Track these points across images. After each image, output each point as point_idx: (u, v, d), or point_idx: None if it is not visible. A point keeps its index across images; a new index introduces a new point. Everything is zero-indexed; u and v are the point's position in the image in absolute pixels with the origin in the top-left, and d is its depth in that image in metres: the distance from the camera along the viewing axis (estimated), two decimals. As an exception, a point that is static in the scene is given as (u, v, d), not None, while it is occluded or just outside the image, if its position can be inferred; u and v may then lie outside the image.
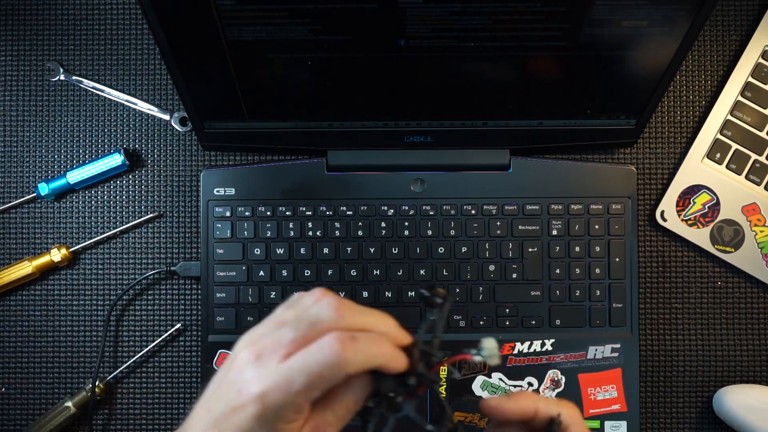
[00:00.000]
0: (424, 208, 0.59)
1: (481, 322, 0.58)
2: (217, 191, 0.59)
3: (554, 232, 0.59)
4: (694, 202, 0.60)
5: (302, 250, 0.58)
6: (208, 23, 0.46)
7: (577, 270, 0.59)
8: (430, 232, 0.59)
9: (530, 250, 0.59)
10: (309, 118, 0.56)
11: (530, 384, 0.58)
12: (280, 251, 0.58)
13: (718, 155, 0.60)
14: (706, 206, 0.60)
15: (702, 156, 0.61)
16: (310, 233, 0.58)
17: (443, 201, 0.59)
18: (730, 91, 0.60)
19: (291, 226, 0.59)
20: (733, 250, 0.60)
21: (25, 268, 0.59)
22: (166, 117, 0.62)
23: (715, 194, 0.60)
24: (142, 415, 0.60)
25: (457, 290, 0.58)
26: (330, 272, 0.58)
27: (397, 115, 0.56)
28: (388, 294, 0.58)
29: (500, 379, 0.58)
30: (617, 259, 0.59)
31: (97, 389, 0.58)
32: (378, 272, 0.58)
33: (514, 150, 0.59)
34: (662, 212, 0.60)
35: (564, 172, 0.59)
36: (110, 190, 0.62)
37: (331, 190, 0.59)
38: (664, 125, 0.62)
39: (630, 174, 0.59)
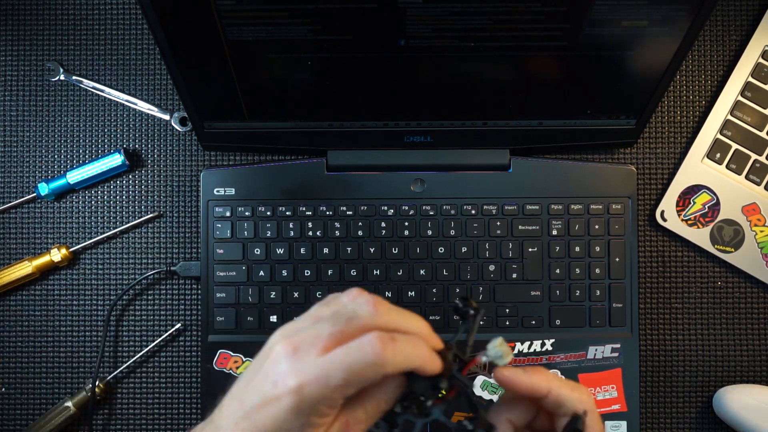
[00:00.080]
0: (424, 208, 0.59)
1: (481, 322, 0.58)
2: (217, 191, 0.59)
3: (554, 232, 0.59)
4: (694, 202, 0.60)
5: (302, 250, 0.58)
6: (208, 23, 0.46)
7: (577, 270, 0.59)
8: (430, 232, 0.59)
9: (530, 250, 0.59)
10: (309, 118, 0.56)
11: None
12: (280, 251, 0.58)
13: (718, 155, 0.60)
14: (706, 206, 0.60)
15: (702, 156, 0.61)
16: (310, 233, 0.59)
17: (443, 201, 0.59)
18: (730, 91, 0.60)
19: (291, 226, 0.59)
20: (733, 250, 0.60)
21: (25, 268, 0.59)
22: (166, 117, 0.62)
23: (715, 194, 0.60)
24: (142, 415, 0.60)
25: (457, 290, 0.58)
26: (330, 272, 0.58)
27: (397, 115, 0.56)
28: (389, 294, 0.58)
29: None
30: (617, 259, 0.59)
31: (97, 389, 0.58)
32: (378, 272, 0.58)
33: (514, 150, 0.59)
34: (662, 212, 0.60)
35: (564, 172, 0.59)
36: (110, 190, 0.62)
37: (331, 190, 0.59)
38: (664, 125, 0.62)
39: (630, 174, 0.59)
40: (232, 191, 0.59)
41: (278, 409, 0.32)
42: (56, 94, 0.62)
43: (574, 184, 0.59)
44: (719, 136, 0.60)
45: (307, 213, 0.59)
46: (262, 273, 0.58)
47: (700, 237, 0.60)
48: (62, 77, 0.62)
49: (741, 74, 0.60)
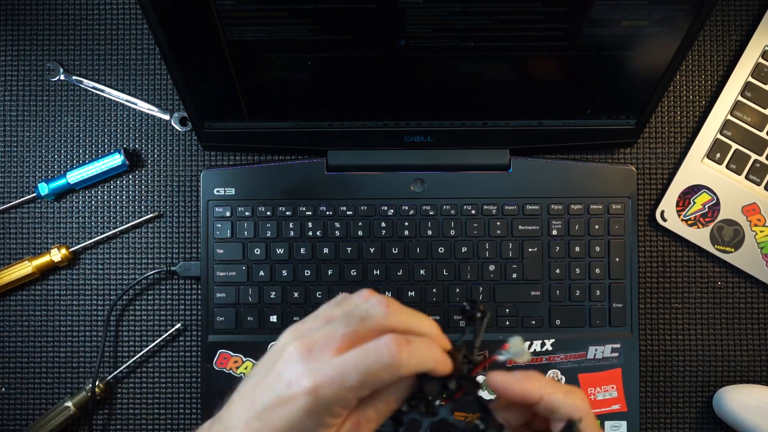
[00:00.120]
0: (424, 208, 0.59)
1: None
2: (217, 191, 0.59)
3: (554, 232, 0.59)
4: (694, 202, 0.60)
5: (302, 250, 0.58)
6: (208, 23, 0.46)
7: (577, 270, 0.59)
8: (430, 232, 0.59)
9: (530, 250, 0.59)
10: (309, 118, 0.56)
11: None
12: (280, 251, 0.58)
13: (718, 155, 0.60)
14: (706, 206, 0.60)
15: (702, 156, 0.61)
16: (310, 233, 0.59)
17: (443, 201, 0.59)
18: (730, 91, 0.60)
19: (291, 226, 0.59)
20: (733, 250, 0.60)
21: (25, 268, 0.59)
22: (166, 117, 0.62)
23: (715, 194, 0.60)
24: (142, 415, 0.60)
25: (457, 290, 0.58)
26: (330, 272, 0.58)
27: (397, 115, 0.56)
28: (389, 294, 0.58)
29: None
30: (617, 259, 0.59)
31: (97, 389, 0.58)
32: (378, 272, 0.58)
33: (514, 150, 0.59)
34: (662, 212, 0.60)
35: (564, 172, 0.59)
36: (110, 190, 0.62)
37: (331, 190, 0.59)
38: (664, 125, 0.62)
39: (630, 174, 0.59)
40: (232, 191, 0.59)
41: (292, 410, 0.33)
42: (56, 94, 0.62)
43: (574, 184, 0.59)
44: (719, 136, 0.60)
45: (307, 213, 0.59)
46: (262, 273, 0.58)
47: (700, 237, 0.60)
48: (62, 77, 0.62)
49: (741, 74, 0.60)
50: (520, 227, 0.59)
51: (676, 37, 0.48)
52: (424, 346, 0.34)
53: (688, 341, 0.61)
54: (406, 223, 0.59)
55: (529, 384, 0.36)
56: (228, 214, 0.59)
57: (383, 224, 0.59)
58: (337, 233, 0.59)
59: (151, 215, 0.61)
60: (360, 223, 0.59)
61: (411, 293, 0.58)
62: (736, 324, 0.61)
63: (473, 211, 0.59)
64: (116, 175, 0.61)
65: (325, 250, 0.58)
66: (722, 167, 0.60)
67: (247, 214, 0.59)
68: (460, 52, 0.49)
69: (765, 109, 0.60)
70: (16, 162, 0.61)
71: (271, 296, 0.58)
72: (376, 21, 0.46)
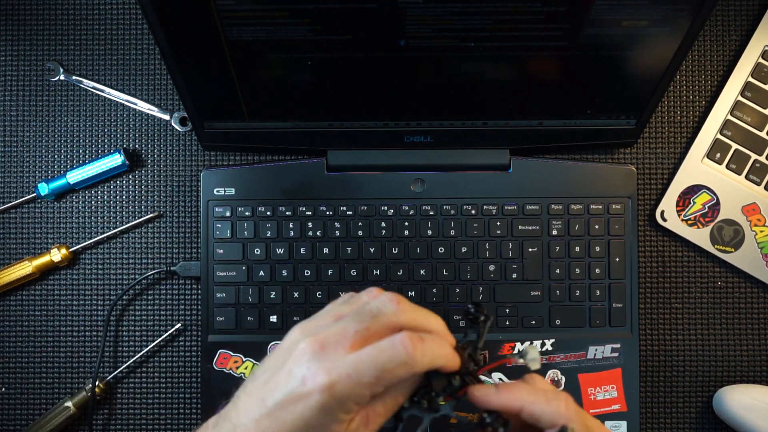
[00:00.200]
0: (424, 208, 0.59)
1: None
2: (217, 191, 0.59)
3: (554, 232, 0.59)
4: (694, 202, 0.60)
5: (302, 250, 0.58)
6: (208, 23, 0.46)
7: (577, 270, 0.59)
8: (430, 232, 0.59)
9: (530, 250, 0.59)
10: (309, 118, 0.56)
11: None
12: (280, 251, 0.58)
13: (718, 155, 0.60)
14: (706, 206, 0.60)
15: (702, 156, 0.61)
16: (310, 233, 0.59)
17: (443, 201, 0.59)
18: (730, 91, 0.60)
19: (291, 226, 0.59)
20: (733, 250, 0.60)
21: (25, 268, 0.59)
22: (166, 117, 0.62)
23: (715, 194, 0.60)
24: (142, 415, 0.60)
25: (457, 290, 0.58)
26: (330, 272, 0.58)
27: (397, 115, 0.56)
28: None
29: (500, 379, 0.58)
30: (617, 259, 0.59)
31: (97, 389, 0.58)
32: (378, 272, 0.58)
33: (514, 150, 0.59)
34: (662, 212, 0.60)
35: (564, 172, 0.59)
36: (110, 190, 0.62)
37: (331, 190, 0.59)
38: (664, 125, 0.62)
39: (630, 174, 0.59)
40: (232, 191, 0.59)
41: (306, 407, 0.33)
42: (56, 94, 0.62)
43: (574, 184, 0.59)
44: (719, 136, 0.60)
45: (307, 213, 0.59)
46: (262, 273, 0.58)
47: (700, 237, 0.60)
48: (62, 77, 0.62)
49: (741, 74, 0.60)
50: (520, 227, 0.59)
51: (676, 37, 0.48)
52: (436, 343, 0.35)
53: (688, 341, 0.61)
54: (406, 223, 0.59)
55: (507, 396, 0.37)
56: (228, 214, 0.59)
57: (383, 224, 0.59)
58: (337, 233, 0.59)
59: (151, 215, 0.61)
60: (360, 223, 0.59)
61: (411, 293, 0.58)
62: (736, 324, 0.61)
63: (473, 211, 0.59)
64: (116, 175, 0.61)
65: (325, 250, 0.58)
66: (722, 167, 0.60)
67: (247, 214, 0.59)
68: (460, 52, 0.49)
69: (765, 109, 0.60)
70: (16, 162, 0.61)
71: (271, 296, 0.58)
72: (376, 21, 0.46)
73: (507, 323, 0.58)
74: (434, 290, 0.58)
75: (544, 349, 0.58)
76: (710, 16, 0.57)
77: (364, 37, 0.47)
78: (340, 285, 0.58)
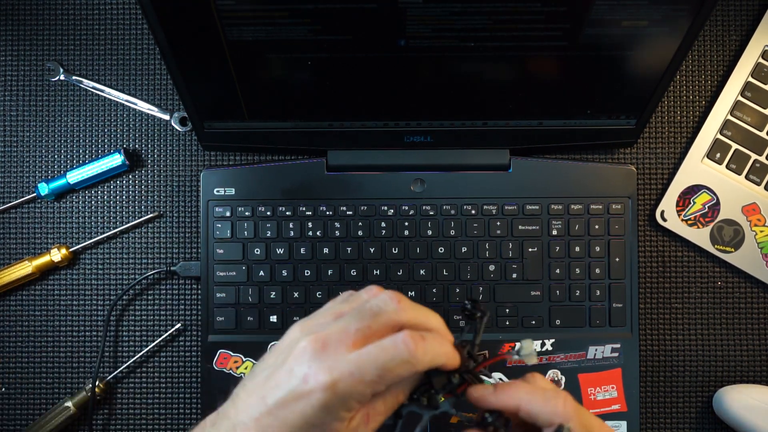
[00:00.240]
0: (424, 208, 0.59)
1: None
2: (217, 191, 0.59)
3: (554, 232, 0.59)
4: (694, 202, 0.60)
5: (302, 250, 0.58)
6: (208, 23, 0.46)
7: (577, 270, 0.59)
8: (430, 232, 0.59)
9: (530, 250, 0.59)
10: (309, 118, 0.56)
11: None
12: (280, 251, 0.58)
13: (718, 155, 0.60)
14: (706, 206, 0.60)
15: (702, 156, 0.61)
16: (310, 233, 0.59)
17: (443, 201, 0.59)
18: (730, 91, 0.60)
19: (291, 226, 0.59)
20: (733, 250, 0.60)
21: (25, 268, 0.59)
22: (166, 117, 0.62)
23: (715, 194, 0.60)
24: (142, 415, 0.60)
25: (457, 290, 0.58)
26: (330, 272, 0.58)
27: (397, 115, 0.56)
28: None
29: (500, 379, 0.58)
30: (617, 259, 0.59)
31: (97, 389, 0.58)
32: (378, 272, 0.58)
33: (514, 150, 0.59)
34: (662, 212, 0.60)
35: (564, 172, 0.59)
36: (110, 190, 0.62)
37: (331, 190, 0.59)
38: (664, 125, 0.62)
39: (630, 174, 0.59)
40: (232, 191, 0.59)
41: (307, 405, 0.33)
42: (56, 94, 0.62)
43: (574, 184, 0.59)
44: (719, 136, 0.60)
45: (307, 213, 0.59)
46: (262, 273, 0.58)
47: (700, 237, 0.60)
48: (62, 77, 0.62)
49: (741, 74, 0.60)
50: (520, 227, 0.59)
51: (676, 37, 0.48)
52: (437, 342, 0.35)
53: (688, 341, 0.61)
54: (406, 223, 0.59)
55: (504, 396, 0.37)
56: (228, 214, 0.59)
57: (383, 224, 0.59)
58: (337, 233, 0.59)
59: (151, 215, 0.61)
60: (360, 223, 0.59)
61: (411, 293, 0.58)
62: (736, 324, 0.61)
63: (473, 211, 0.59)
64: (116, 175, 0.61)
65: (325, 250, 0.58)
66: (722, 167, 0.60)
67: (247, 214, 0.59)
68: (460, 52, 0.49)
69: (765, 109, 0.60)
70: (16, 162, 0.61)
71: (271, 296, 0.58)
72: (376, 21, 0.46)
73: (507, 323, 0.58)
74: (434, 290, 0.58)
75: (544, 349, 0.58)
76: (710, 16, 0.57)
77: (364, 37, 0.47)
78: (340, 285, 0.58)
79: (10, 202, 0.61)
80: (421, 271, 0.58)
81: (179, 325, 0.60)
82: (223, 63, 0.49)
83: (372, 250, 0.58)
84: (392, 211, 0.59)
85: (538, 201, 0.59)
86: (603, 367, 0.58)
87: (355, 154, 0.59)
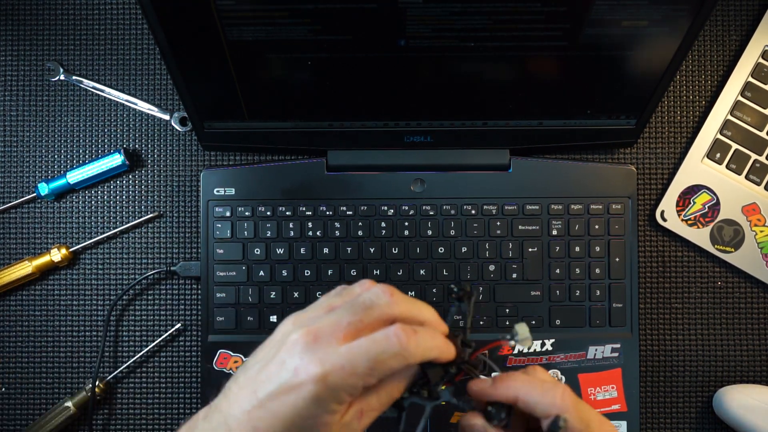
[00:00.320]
0: (424, 208, 0.59)
1: (481, 322, 0.58)
2: (217, 191, 0.59)
3: (554, 232, 0.59)
4: (694, 202, 0.60)
5: (302, 250, 0.58)
6: (208, 23, 0.46)
7: (577, 270, 0.59)
8: (430, 232, 0.59)
9: (530, 250, 0.59)
10: (309, 118, 0.56)
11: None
12: (280, 251, 0.58)
13: (718, 155, 0.60)
14: (706, 206, 0.60)
15: (702, 156, 0.61)
16: (310, 233, 0.59)
17: (443, 201, 0.59)
18: (730, 91, 0.60)
19: (291, 226, 0.59)
20: (733, 250, 0.60)
21: (25, 268, 0.59)
22: (166, 117, 0.62)
23: (715, 194, 0.60)
24: (142, 415, 0.60)
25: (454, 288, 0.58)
26: (330, 272, 0.58)
27: (397, 115, 0.56)
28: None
29: (500, 379, 0.58)
30: (617, 259, 0.59)
31: (97, 389, 0.58)
32: (378, 272, 0.58)
33: (514, 150, 0.59)
34: (662, 212, 0.60)
35: (564, 172, 0.59)
36: (110, 190, 0.62)
37: (331, 190, 0.59)
38: (664, 125, 0.62)
39: (630, 174, 0.59)
40: (232, 191, 0.59)
41: (298, 397, 0.33)
42: (56, 94, 0.62)
43: (574, 184, 0.59)
44: (719, 136, 0.60)
45: (307, 213, 0.59)
46: (262, 273, 0.58)
47: (700, 237, 0.60)
48: (62, 77, 0.62)
49: (741, 74, 0.60)
50: (520, 227, 0.59)
51: (676, 37, 0.48)
52: (429, 335, 0.35)
53: (688, 341, 0.61)
54: (406, 223, 0.59)
55: (503, 388, 0.37)
56: (228, 214, 0.59)
57: (383, 224, 0.59)
58: (337, 233, 0.59)
59: (151, 215, 0.61)
60: (360, 223, 0.59)
61: (411, 293, 0.58)
62: (736, 324, 0.61)
63: (473, 211, 0.59)
64: (116, 175, 0.61)
65: (325, 250, 0.58)
66: (722, 167, 0.60)
67: (247, 214, 0.59)
68: (460, 52, 0.49)
69: (765, 109, 0.60)
70: (16, 162, 0.61)
71: (271, 296, 0.58)
72: (376, 21, 0.46)
73: (507, 323, 0.58)
74: (434, 290, 0.58)
75: (544, 349, 0.58)
76: (710, 16, 0.57)
77: (364, 37, 0.47)
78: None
79: (10, 202, 0.61)
80: (421, 271, 0.58)
81: (179, 325, 0.60)
82: (223, 63, 0.49)
83: (372, 250, 0.58)
84: (392, 211, 0.59)
85: (538, 201, 0.59)
86: (603, 367, 0.58)
87: (355, 154, 0.59)
